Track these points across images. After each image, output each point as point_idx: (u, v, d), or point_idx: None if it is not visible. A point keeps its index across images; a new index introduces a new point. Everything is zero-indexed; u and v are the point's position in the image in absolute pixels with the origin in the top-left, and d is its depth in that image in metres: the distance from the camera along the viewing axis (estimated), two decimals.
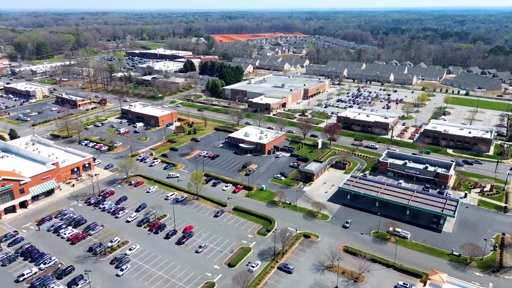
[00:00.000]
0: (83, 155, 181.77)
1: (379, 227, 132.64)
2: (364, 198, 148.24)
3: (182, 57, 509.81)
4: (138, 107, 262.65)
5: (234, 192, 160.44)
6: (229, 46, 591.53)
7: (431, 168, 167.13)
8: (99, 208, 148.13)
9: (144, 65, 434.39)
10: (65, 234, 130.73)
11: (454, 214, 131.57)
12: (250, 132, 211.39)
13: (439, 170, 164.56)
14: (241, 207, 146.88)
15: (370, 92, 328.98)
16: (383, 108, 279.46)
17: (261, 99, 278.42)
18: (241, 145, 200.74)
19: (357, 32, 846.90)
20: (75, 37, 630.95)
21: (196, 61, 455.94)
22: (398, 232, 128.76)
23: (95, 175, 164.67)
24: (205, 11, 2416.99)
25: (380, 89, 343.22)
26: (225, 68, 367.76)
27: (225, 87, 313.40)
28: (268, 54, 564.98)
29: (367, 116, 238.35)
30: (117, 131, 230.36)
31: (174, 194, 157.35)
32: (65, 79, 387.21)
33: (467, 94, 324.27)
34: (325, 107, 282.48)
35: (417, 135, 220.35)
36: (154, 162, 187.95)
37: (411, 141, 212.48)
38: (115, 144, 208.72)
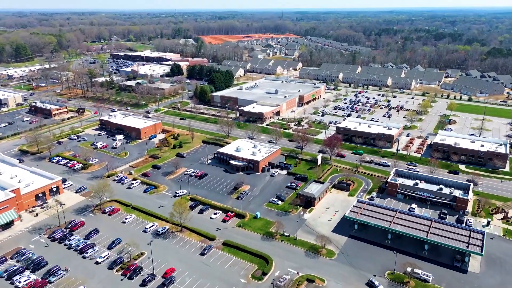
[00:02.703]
0: (51, 177, 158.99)
1: (395, 266, 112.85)
2: (374, 228, 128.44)
3: (169, 59, 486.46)
4: (118, 117, 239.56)
5: (224, 220, 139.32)
6: (219, 48, 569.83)
7: (446, 190, 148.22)
8: (65, 244, 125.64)
9: (129, 69, 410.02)
10: (20, 282, 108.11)
11: (482, 251, 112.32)
12: (242, 147, 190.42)
13: (456, 193, 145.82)
14: (232, 241, 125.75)
15: (368, 98, 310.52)
16: (384, 116, 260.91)
17: (253, 107, 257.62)
18: (232, 162, 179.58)
19: (350, 33, 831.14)
20: (57, 38, 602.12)
21: (184, 64, 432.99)
22: (418, 274, 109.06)
23: (62, 205, 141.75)
24: (194, 11, 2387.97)
25: (379, 95, 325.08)
26: (214, 72, 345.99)
27: (214, 94, 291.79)
28: (260, 57, 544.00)
29: (368, 126, 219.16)
30: (93, 146, 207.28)
31: (154, 225, 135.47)
32: (42, 84, 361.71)
33: (470, 99, 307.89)
34: (322, 115, 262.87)
35: (424, 148, 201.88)
36: (133, 183, 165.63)
37: (418, 155, 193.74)
38: (90, 162, 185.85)
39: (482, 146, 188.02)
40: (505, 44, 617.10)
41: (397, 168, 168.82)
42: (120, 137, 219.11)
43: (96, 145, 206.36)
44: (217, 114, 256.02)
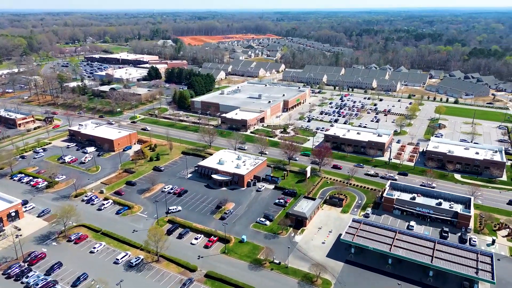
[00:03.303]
0: (10, 199, 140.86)
1: None
2: (373, 252, 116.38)
3: (146, 62, 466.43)
4: (89, 127, 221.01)
5: (206, 246, 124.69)
6: (199, 50, 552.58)
7: (445, 205, 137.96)
8: (22, 283, 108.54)
9: (103, 73, 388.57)
10: None
11: (493, 278, 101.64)
12: (225, 159, 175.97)
13: (457, 208, 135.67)
14: (216, 273, 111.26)
15: (354, 102, 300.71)
16: (372, 121, 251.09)
17: (236, 113, 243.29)
18: (214, 176, 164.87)
19: (331, 33, 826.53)
20: (27, 40, 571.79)
21: (162, 67, 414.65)
22: None
23: (18, 236, 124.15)
24: (173, 11, 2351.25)
25: (364, 98, 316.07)
26: (194, 76, 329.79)
27: (194, 99, 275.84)
28: (241, 58, 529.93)
29: (358, 133, 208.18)
30: (61, 160, 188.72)
31: (126, 254, 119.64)
32: (9, 90, 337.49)
33: (456, 102, 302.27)
34: (308, 121, 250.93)
35: (416, 156, 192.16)
36: (104, 204, 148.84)
37: (411, 164, 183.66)
38: (56, 179, 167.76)
39: (477, 153, 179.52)
40: (484, 44, 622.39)
41: (392, 180, 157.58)
42: (91, 149, 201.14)
43: (64, 159, 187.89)
44: (198, 121, 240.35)
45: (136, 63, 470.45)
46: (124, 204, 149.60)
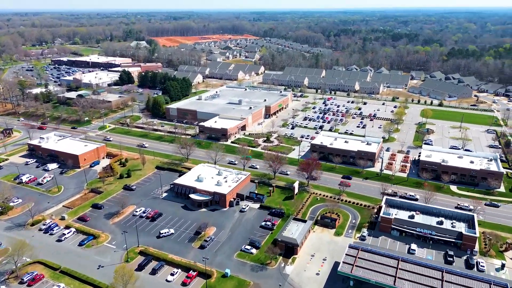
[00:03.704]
0: None
1: None
2: (374, 285, 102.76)
3: (119, 65, 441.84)
4: (52, 140, 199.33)
5: (184, 284, 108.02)
6: (174, 51, 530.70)
7: (447, 223, 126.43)
8: None
9: (71, 77, 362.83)
10: None
11: None
12: (204, 175, 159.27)
13: (460, 226, 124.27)
14: None
15: (338, 106, 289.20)
16: (358, 127, 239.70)
17: (215, 121, 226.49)
18: (192, 196, 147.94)
19: (309, 33, 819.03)
20: None
21: (135, 71, 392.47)
22: None
23: None
24: (148, 11, 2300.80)
25: (348, 101, 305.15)
26: (169, 80, 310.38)
27: (169, 106, 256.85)
28: (219, 60, 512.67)
29: (345, 142, 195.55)
30: (17, 179, 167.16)
31: None
32: None
33: (441, 104, 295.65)
34: (292, 128, 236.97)
35: (407, 165, 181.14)
36: (65, 234, 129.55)
37: (403, 175, 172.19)
38: (11, 203, 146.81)
39: (472, 162, 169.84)
40: (460, 44, 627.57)
41: (388, 196, 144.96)
42: (53, 166, 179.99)
43: (21, 179, 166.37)
44: (174, 130, 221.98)
45: (107, 66, 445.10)
46: (88, 232, 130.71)
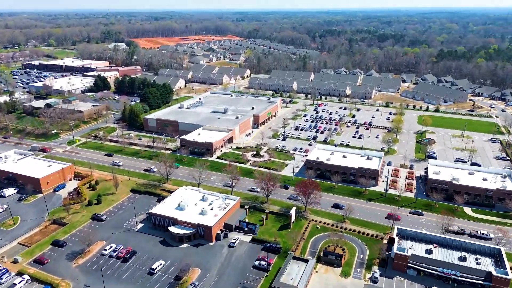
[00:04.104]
0: None
1: None
2: None
3: (94, 69, 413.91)
4: (10, 159, 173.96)
5: None
6: (155, 54, 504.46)
7: (471, 260, 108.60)
8: None
9: (40, 83, 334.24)
10: None
11: None
12: (186, 202, 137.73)
13: (486, 263, 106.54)
14: None
15: (330, 113, 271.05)
16: (353, 137, 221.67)
17: (199, 134, 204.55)
18: (172, 230, 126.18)
19: (294, 34, 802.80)
20: None
21: (112, 75, 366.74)
22: None
23: None
24: (128, 11, 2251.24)
25: (340, 108, 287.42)
26: (148, 87, 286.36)
27: (148, 116, 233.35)
28: (202, 63, 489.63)
29: (344, 157, 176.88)
30: None
31: None
32: None
33: (437, 110, 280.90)
34: (283, 139, 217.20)
35: (413, 183, 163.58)
36: (16, 283, 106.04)
37: (411, 195, 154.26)
38: None
39: (485, 180, 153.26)
40: (446, 45, 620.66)
41: (399, 226, 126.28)
42: (10, 191, 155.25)
43: None
44: (152, 145, 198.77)
45: (82, 71, 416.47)
46: (45, 281, 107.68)
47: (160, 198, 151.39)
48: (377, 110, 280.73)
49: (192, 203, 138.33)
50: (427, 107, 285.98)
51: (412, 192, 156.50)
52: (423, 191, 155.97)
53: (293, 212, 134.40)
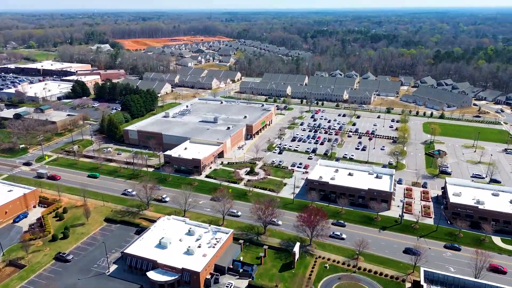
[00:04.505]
0: None
1: None
2: None
3: (74, 73, 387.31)
4: None
5: None
6: (140, 56, 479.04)
7: None
8: None
9: (13, 89, 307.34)
10: None
11: None
12: (169, 237, 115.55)
13: None
14: None
15: (328, 121, 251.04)
16: (356, 149, 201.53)
17: (186, 148, 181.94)
18: (151, 275, 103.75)
19: (285, 35, 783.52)
20: None
21: (93, 79, 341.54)
22: None
23: None
24: (115, 11, 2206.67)
25: (339, 115, 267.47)
26: (130, 94, 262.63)
27: (128, 128, 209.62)
28: (190, 65, 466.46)
29: (349, 175, 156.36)
30: None
31: None
32: None
33: (442, 116, 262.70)
34: (280, 152, 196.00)
35: (430, 205, 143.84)
36: None
37: (430, 221, 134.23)
38: None
39: None
40: (440, 45, 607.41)
41: (426, 267, 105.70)
42: None
43: None
44: (132, 162, 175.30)
45: (61, 74, 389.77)
46: None
47: (139, 230, 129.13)
48: (379, 117, 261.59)
49: (176, 239, 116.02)
50: (431, 113, 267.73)
51: (430, 217, 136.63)
52: (443, 217, 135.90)
53: (297, 249, 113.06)
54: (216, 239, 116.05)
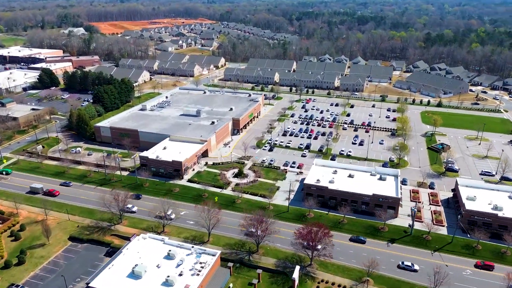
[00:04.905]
0: None
1: None
2: None
3: (44, 59, 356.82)
4: None
5: None
6: (117, 41, 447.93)
7: None
8: None
9: None
10: None
11: None
12: (145, 263, 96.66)
13: None
14: None
15: (321, 111, 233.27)
16: (353, 143, 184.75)
17: (164, 147, 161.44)
18: None
19: (269, 17, 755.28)
20: None
21: (63, 67, 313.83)
22: None
23: None
24: None
25: (331, 104, 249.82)
26: (103, 84, 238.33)
27: (100, 124, 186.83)
28: (170, 50, 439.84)
29: (350, 176, 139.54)
30: None
31: None
32: None
33: (440, 104, 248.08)
34: (270, 149, 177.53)
35: (441, 211, 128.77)
36: None
37: (443, 231, 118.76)
38: None
39: None
40: (429, 27, 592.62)
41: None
42: None
43: None
44: (103, 164, 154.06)
45: (29, 62, 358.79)
46: None
47: (111, 251, 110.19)
48: (373, 106, 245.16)
49: (153, 265, 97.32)
50: (428, 101, 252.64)
51: (443, 225, 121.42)
52: (455, 225, 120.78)
53: (296, 274, 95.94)
54: (201, 263, 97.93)
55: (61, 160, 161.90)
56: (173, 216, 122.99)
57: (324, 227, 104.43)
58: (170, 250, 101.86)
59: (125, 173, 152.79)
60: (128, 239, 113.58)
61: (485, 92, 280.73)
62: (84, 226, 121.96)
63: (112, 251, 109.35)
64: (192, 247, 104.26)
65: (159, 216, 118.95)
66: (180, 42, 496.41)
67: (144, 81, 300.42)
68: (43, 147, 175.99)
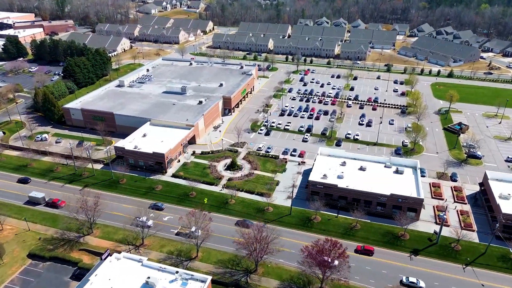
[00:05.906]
0: None
1: None
2: None
3: (12, 25, 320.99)
4: None
5: None
6: (93, 2, 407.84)
7: None
8: None
9: None
10: None
11: None
12: None
13: None
14: None
15: (321, 85, 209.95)
16: (360, 124, 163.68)
17: (144, 135, 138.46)
18: None
19: None
20: None
21: (33, 34, 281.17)
22: None
23: None
24: None
25: (332, 76, 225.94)
26: (74, 56, 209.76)
27: (69, 106, 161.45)
28: (153, 12, 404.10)
29: (361, 169, 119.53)
30: None
31: None
32: None
33: (451, 75, 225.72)
34: (267, 133, 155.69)
35: (469, 211, 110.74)
36: None
37: (472, 236, 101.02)
38: None
39: None
40: None
41: None
42: None
43: None
44: (72, 156, 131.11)
45: None
46: None
47: (78, 273, 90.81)
48: (379, 78, 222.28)
49: None
50: (438, 71, 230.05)
51: (473, 229, 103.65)
52: (488, 227, 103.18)
53: None
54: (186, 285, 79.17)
55: (24, 150, 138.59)
56: (149, 223, 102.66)
57: (338, 244, 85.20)
58: (149, 277, 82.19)
59: (98, 167, 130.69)
60: (100, 255, 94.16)
61: (498, 63, 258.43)
62: (47, 238, 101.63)
63: (80, 273, 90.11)
64: (177, 272, 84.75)
65: (137, 224, 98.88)
66: (164, 3, 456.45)
67: (124, 49, 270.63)
68: (3, 133, 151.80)
